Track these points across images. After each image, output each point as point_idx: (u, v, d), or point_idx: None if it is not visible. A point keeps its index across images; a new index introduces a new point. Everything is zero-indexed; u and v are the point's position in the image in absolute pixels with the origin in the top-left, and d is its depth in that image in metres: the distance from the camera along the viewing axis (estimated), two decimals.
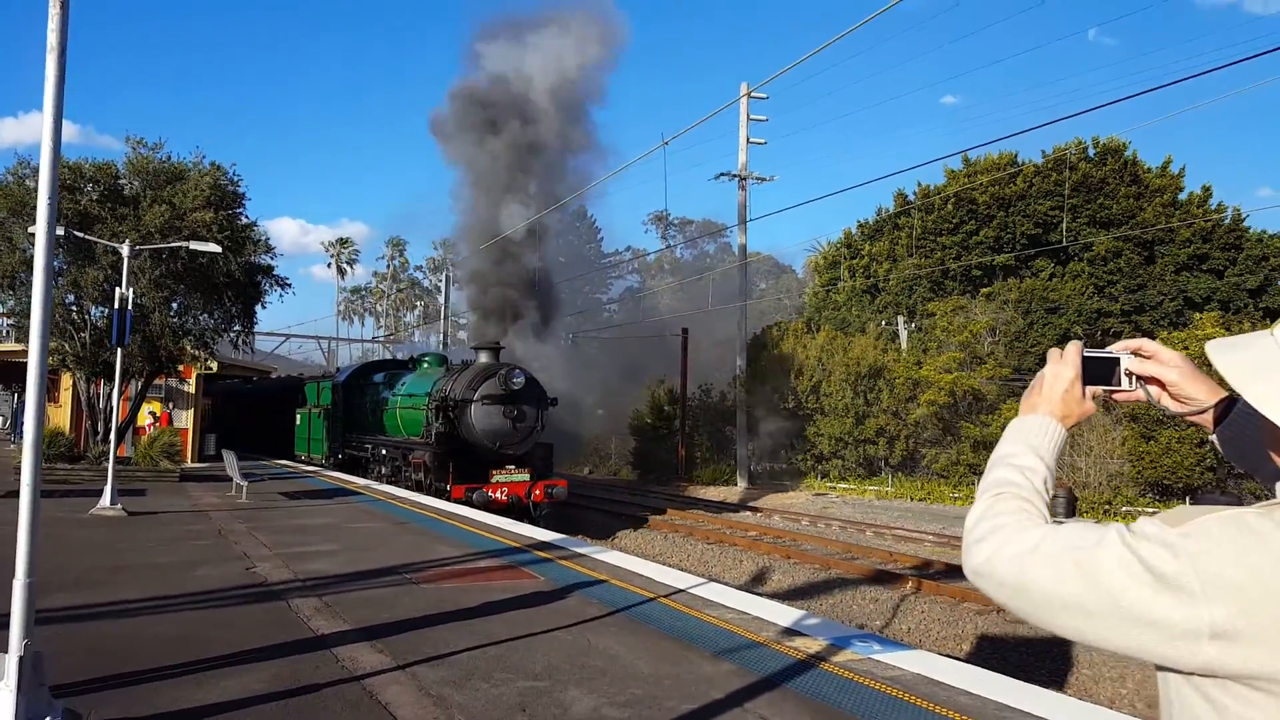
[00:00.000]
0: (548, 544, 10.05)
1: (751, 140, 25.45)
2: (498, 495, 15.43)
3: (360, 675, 5.11)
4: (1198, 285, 29.93)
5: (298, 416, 26.93)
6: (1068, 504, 21.74)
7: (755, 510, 22.28)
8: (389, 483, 18.15)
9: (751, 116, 25.08)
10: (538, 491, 16.08)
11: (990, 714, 4.60)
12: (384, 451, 19.23)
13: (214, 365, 21.73)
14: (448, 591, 7.51)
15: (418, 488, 16.69)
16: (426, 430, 16.79)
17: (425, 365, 20.07)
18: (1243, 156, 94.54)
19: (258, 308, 19.27)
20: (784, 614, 6.79)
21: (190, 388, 23.12)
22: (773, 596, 11.31)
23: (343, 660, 5.38)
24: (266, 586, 7.63)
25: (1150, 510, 20.84)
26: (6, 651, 3.89)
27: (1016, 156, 31.92)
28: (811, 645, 5.92)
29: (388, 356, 61.29)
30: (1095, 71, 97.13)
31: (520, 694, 4.84)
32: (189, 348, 18.56)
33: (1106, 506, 21.79)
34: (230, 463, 15.04)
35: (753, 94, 21.93)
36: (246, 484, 14.30)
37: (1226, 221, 30.36)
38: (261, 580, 7.88)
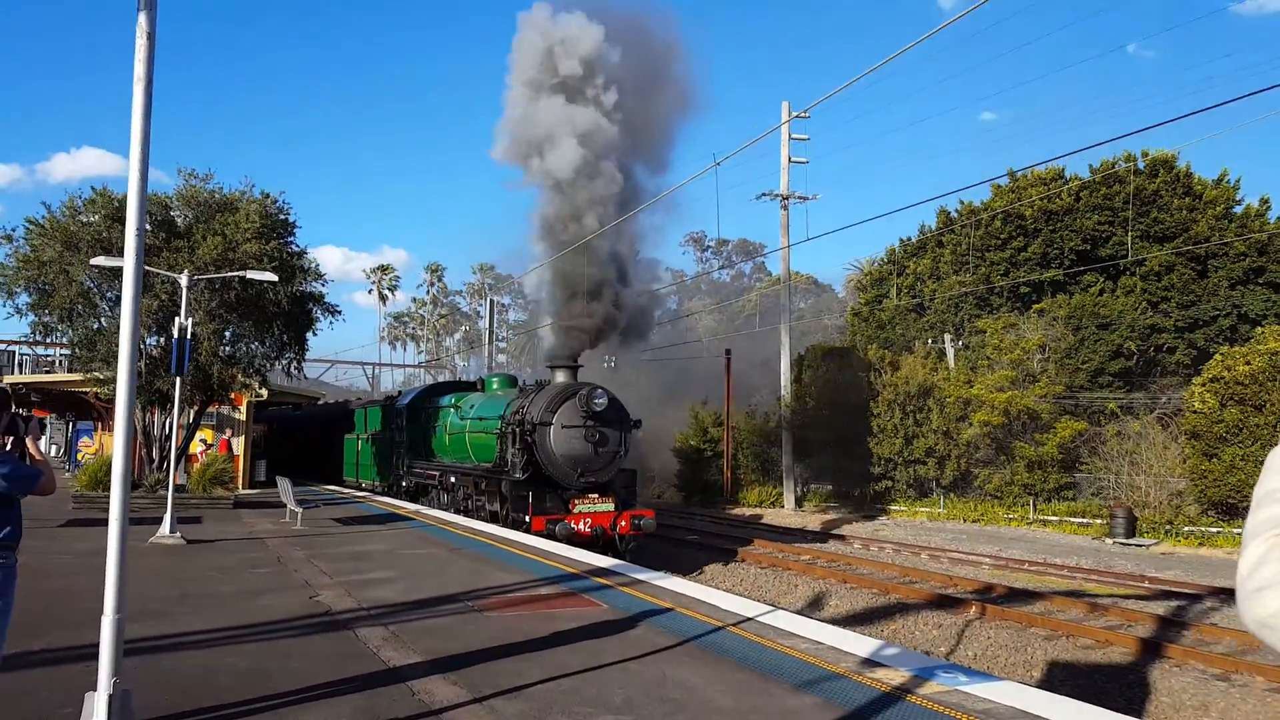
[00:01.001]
0: (606, 570, 9.92)
1: (793, 160, 25.35)
2: (580, 527, 14.39)
3: (439, 709, 5.02)
4: (1254, 300, 29.15)
5: (356, 442, 26.05)
6: (1127, 524, 21.17)
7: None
8: (458, 513, 17.21)
9: (793, 136, 24.99)
10: (623, 522, 14.95)
11: None
12: (452, 479, 18.19)
13: (264, 392, 21.95)
14: (513, 620, 7.41)
15: (492, 519, 15.62)
16: (500, 456, 15.78)
17: (495, 386, 18.75)
18: None
19: (309, 334, 19.45)
20: (860, 644, 6.58)
21: (241, 415, 23.41)
22: (833, 623, 11.08)
23: (419, 694, 5.29)
24: (331, 616, 7.59)
25: (1215, 530, 20.19)
26: (94, 690, 3.86)
27: (1064, 171, 31.43)
28: (893, 676, 5.72)
29: (433, 380, 61.90)
30: (1138, 86, 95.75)
31: None
32: (240, 376, 18.76)
33: (1168, 526, 21.15)
34: (284, 489, 15.14)
35: (795, 115, 21.86)
36: (301, 510, 14.37)
37: None
38: (326, 609, 7.85)
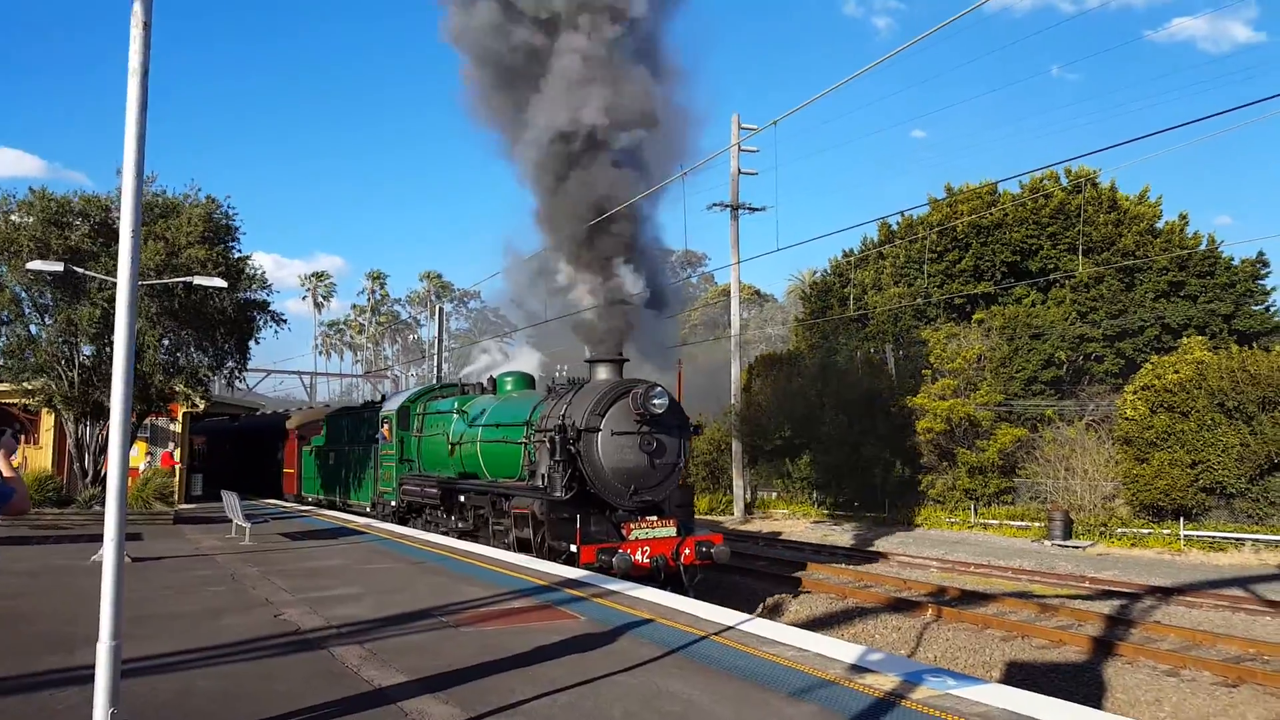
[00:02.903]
0: (577, 581, 9.83)
1: (743, 171, 25.63)
2: (638, 557, 11.79)
3: None
4: (1175, 311, 30.40)
5: (324, 455, 23.03)
6: (1064, 526, 21.85)
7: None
8: (463, 539, 14.66)
9: (742, 147, 25.28)
10: (687, 551, 12.26)
11: None
12: (460, 499, 15.33)
13: (201, 403, 21.25)
14: (492, 635, 7.28)
15: (521, 548, 12.85)
16: (530, 470, 13.22)
17: (509, 387, 16.21)
18: (1203, 187, 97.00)
19: (251, 343, 18.90)
20: (845, 650, 6.63)
21: (177, 426, 22.61)
22: (799, 628, 11.16)
23: (411, 714, 5.15)
24: (301, 635, 7.35)
25: (1146, 531, 20.96)
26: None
27: (997, 186, 32.38)
28: (884, 682, 5.77)
29: (371, 390, 60.68)
30: (1064, 106, 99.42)
31: None
32: (180, 386, 18.14)
33: (1102, 528, 21.89)
34: (231, 504, 14.65)
35: (744, 126, 22.13)
36: (249, 525, 13.93)
37: (1203, 248, 30.94)
38: (294, 628, 7.60)
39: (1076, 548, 20.55)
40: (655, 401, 12.16)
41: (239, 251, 17.88)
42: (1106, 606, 13.49)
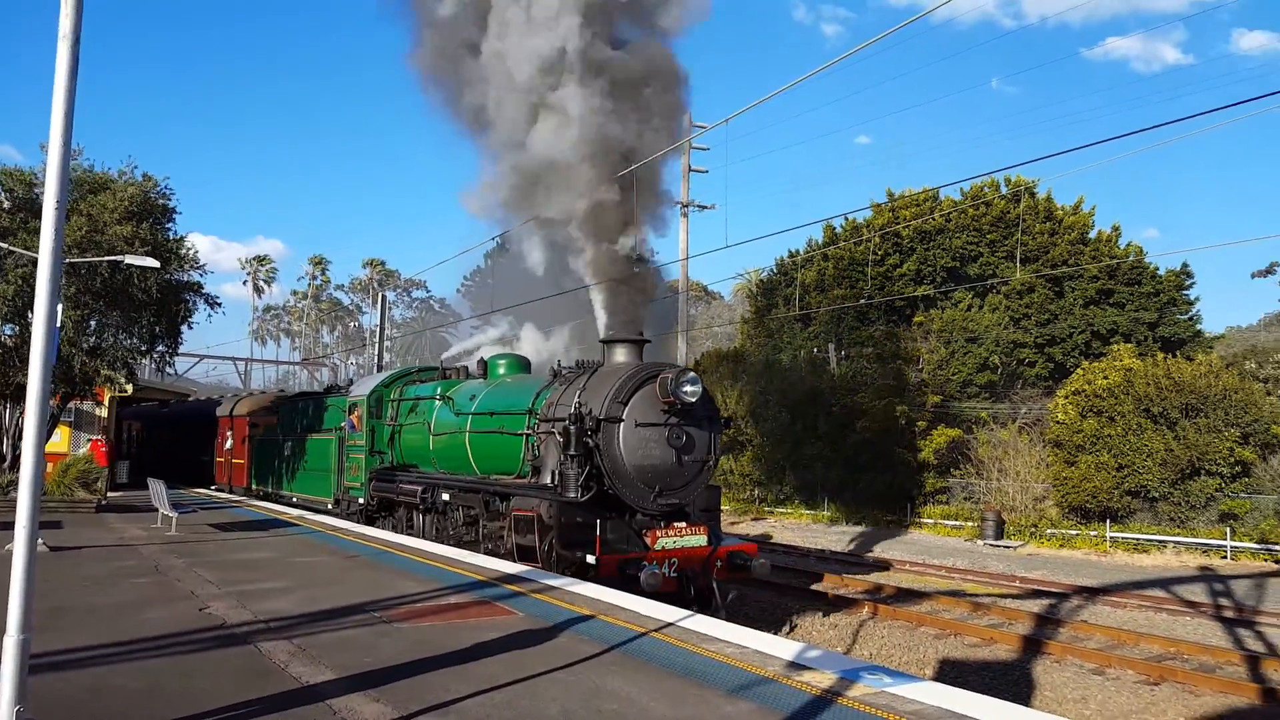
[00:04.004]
0: (516, 576, 9.69)
1: (693, 168, 25.66)
2: (665, 571, 10.15)
3: None
4: (1103, 318, 31.34)
5: (280, 446, 20.88)
6: (996, 526, 22.37)
7: None
8: (448, 544, 12.77)
9: (693, 145, 25.31)
10: (719, 563, 10.69)
11: None
12: (445, 497, 13.45)
13: (129, 388, 20.49)
14: (428, 631, 7.12)
15: (522, 556, 11.03)
16: (534, 466, 11.58)
17: (502, 371, 14.43)
18: (1133, 200, 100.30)
19: (184, 327, 18.27)
20: (783, 647, 6.64)
21: (103, 411, 21.80)
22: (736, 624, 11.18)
23: (342, 713, 4.99)
24: (227, 629, 7.10)
25: (1074, 533, 21.57)
26: None
27: (938, 193, 32.99)
28: (821, 679, 5.78)
29: (309, 378, 59.39)
30: (1003, 118, 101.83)
31: None
32: (104, 369, 17.46)
33: (1032, 529, 22.46)
34: (157, 493, 14.14)
35: (695, 124, 22.13)
36: (176, 515, 13.45)
37: (1131, 259, 31.96)
38: (220, 622, 7.34)
39: (1008, 547, 21.05)
40: (687, 389, 10.64)
41: (175, 232, 17.28)
42: (1036, 606, 13.81)
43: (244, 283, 74.23)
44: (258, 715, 4.90)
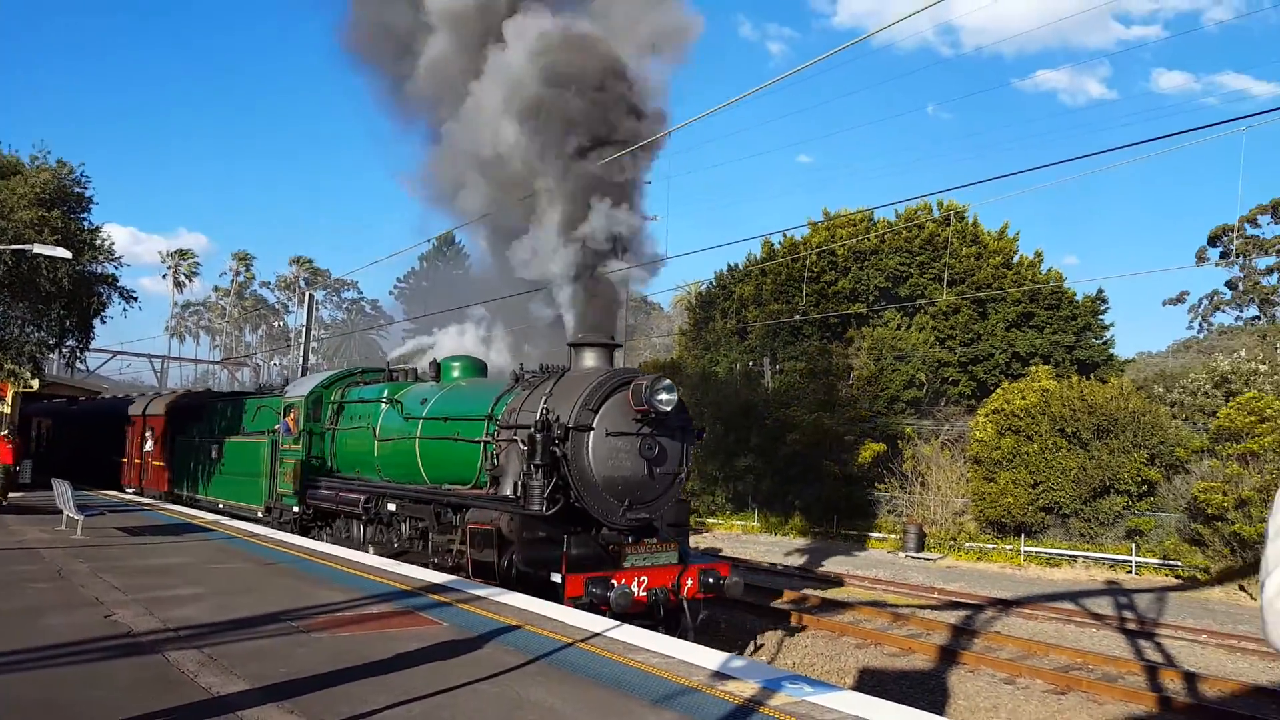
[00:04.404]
0: (441, 586, 9.52)
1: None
2: (635, 590, 9.59)
3: None
4: (1024, 340, 32.40)
5: (207, 447, 19.54)
6: (918, 539, 22.87)
7: None
8: (394, 558, 11.97)
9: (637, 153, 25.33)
10: (691, 582, 10.18)
11: None
12: (391, 507, 12.63)
13: (35, 383, 19.56)
14: (346, 641, 6.94)
15: (478, 571, 10.44)
16: (493, 476, 10.83)
17: (455, 374, 13.49)
18: (1056, 227, 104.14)
19: (96, 321, 17.51)
20: (708, 657, 6.65)
21: (6, 407, 20.76)
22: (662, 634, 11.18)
23: None
24: (134, 637, 6.81)
25: (990, 546, 22.17)
26: None
27: (872, 214, 33.76)
28: (744, 689, 5.81)
29: (229, 378, 57.58)
30: (938, 142, 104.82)
31: None
32: (8, 363, 16.65)
33: (951, 542, 23.00)
34: (62, 494, 13.50)
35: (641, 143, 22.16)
36: (82, 518, 12.87)
37: (1051, 284, 33.17)
38: (126, 630, 7.04)
39: (928, 560, 21.53)
40: (662, 396, 9.97)
41: (90, 222, 16.57)
42: (953, 617, 14.14)
43: (164, 277, 71.82)
44: None
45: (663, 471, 10.36)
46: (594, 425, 9.93)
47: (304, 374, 24.63)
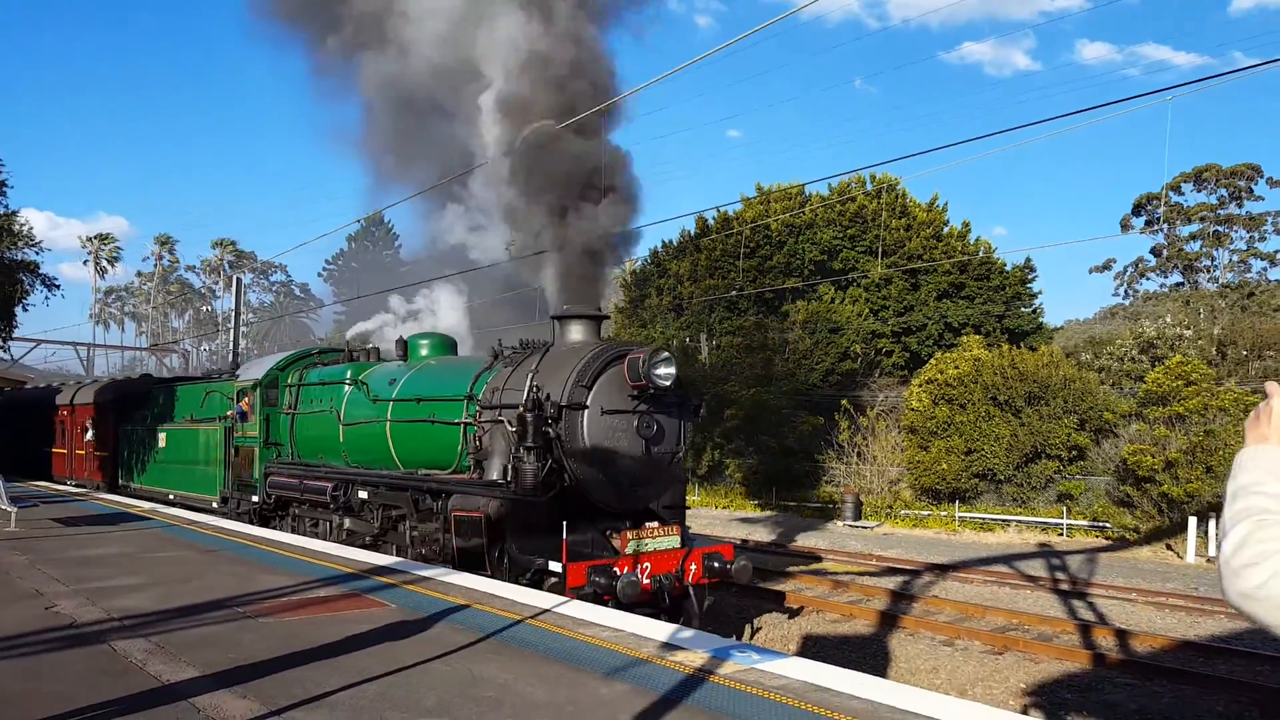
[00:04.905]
0: (387, 568, 9.53)
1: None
2: (639, 576, 8.98)
3: None
4: (955, 311, 33.29)
5: (152, 435, 18.62)
6: (855, 508, 23.48)
7: None
8: (365, 549, 11.29)
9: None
10: (695, 567, 9.63)
11: (884, 716, 4.84)
12: (362, 495, 11.94)
13: None
14: (295, 625, 6.94)
15: (464, 562, 9.73)
16: (476, 460, 10.20)
17: (424, 352, 12.81)
18: (983, 199, 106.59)
19: (18, 309, 16.91)
20: (658, 629, 6.82)
21: None
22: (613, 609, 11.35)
23: (206, 711, 4.83)
24: (77, 628, 6.72)
25: (925, 513, 22.89)
26: None
27: (804, 188, 34.19)
28: (693, 659, 5.98)
29: (157, 365, 55.92)
30: (864, 116, 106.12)
31: None
32: None
33: (888, 510, 23.68)
34: None
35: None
36: (16, 510, 12.50)
37: (981, 255, 34.07)
38: (69, 621, 6.94)
39: (865, 528, 22.13)
40: (661, 371, 9.31)
41: (5, 207, 15.96)
42: (891, 583, 14.61)
43: (85, 263, 69.19)
44: (117, 716, 4.69)
45: (660, 451, 9.79)
46: (588, 403, 9.30)
47: (234, 359, 24.06)
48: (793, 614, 12.64)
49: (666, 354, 9.62)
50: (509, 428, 9.52)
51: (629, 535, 9.34)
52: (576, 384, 9.27)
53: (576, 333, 10.17)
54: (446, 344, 13.30)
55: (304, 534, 13.06)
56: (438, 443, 10.96)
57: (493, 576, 9.07)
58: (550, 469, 9.12)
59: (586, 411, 9.28)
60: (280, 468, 14.14)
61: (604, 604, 8.12)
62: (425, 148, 12.25)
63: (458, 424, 10.58)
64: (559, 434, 9.18)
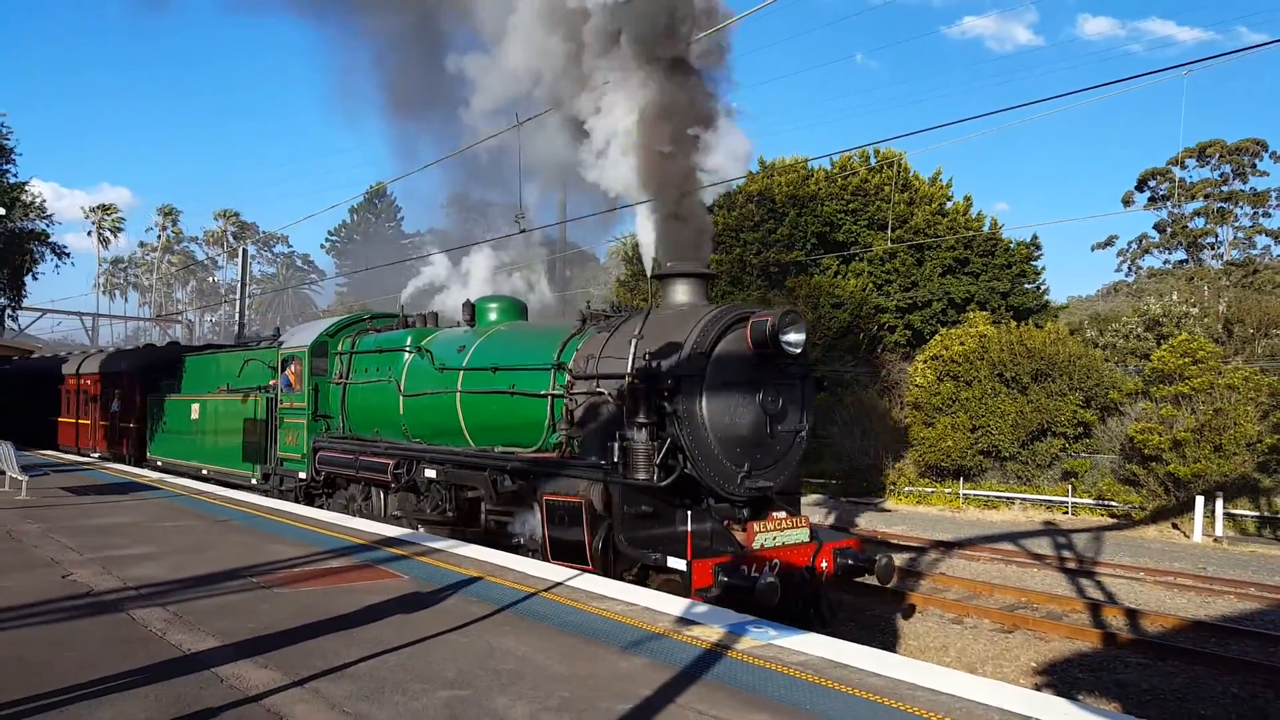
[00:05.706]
0: (396, 539, 9.55)
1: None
2: (770, 575, 7.68)
3: (256, 695, 4.63)
4: (959, 287, 33.15)
5: (185, 406, 17.54)
6: (858, 484, 23.53)
7: None
8: (435, 530, 10.54)
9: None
10: (826, 564, 8.55)
11: (904, 693, 4.86)
12: (429, 474, 10.72)
13: None
14: (310, 596, 6.97)
15: (558, 553, 8.53)
16: (570, 438, 9.08)
17: (493, 316, 11.63)
18: (987, 174, 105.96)
19: (29, 278, 16.86)
20: (671, 603, 6.84)
21: None
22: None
23: (229, 680, 4.85)
24: (95, 596, 6.76)
25: (930, 490, 22.93)
26: None
27: (808, 162, 33.94)
28: (710, 634, 6.01)
29: (161, 335, 55.90)
30: (867, 90, 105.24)
31: (446, 704, 4.58)
32: None
33: (892, 486, 23.72)
34: (5, 455, 13.12)
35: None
36: (27, 478, 12.53)
37: (987, 229, 33.88)
38: (87, 589, 6.97)
39: (869, 504, 22.18)
40: (791, 337, 8.23)
41: (14, 176, 15.85)
42: (898, 559, 14.62)
43: (89, 233, 68.96)
44: (139, 684, 4.71)
45: (784, 429, 8.71)
46: (707, 374, 8.13)
47: (240, 330, 23.99)
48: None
49: (795, 314, 8.54)
50: (610, 401, 8.47)
51: (755, 527, 8.20)
52: (694, 351, 8.06)
53: (682, 294, 8.99)
54: (518, 308, 12.12)
55: (355, 515, 12.08)
56: (519, 417, 9.73)
57: (593, 571, 8.09)
58: (665, 450, 7.97)
59: (705, 382, 8.11)
60: (332, 442, 12.95)
61: (729, 607, 6.88)
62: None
63: (544, 396, 9.37)
64: (676, 409, 8.02)
